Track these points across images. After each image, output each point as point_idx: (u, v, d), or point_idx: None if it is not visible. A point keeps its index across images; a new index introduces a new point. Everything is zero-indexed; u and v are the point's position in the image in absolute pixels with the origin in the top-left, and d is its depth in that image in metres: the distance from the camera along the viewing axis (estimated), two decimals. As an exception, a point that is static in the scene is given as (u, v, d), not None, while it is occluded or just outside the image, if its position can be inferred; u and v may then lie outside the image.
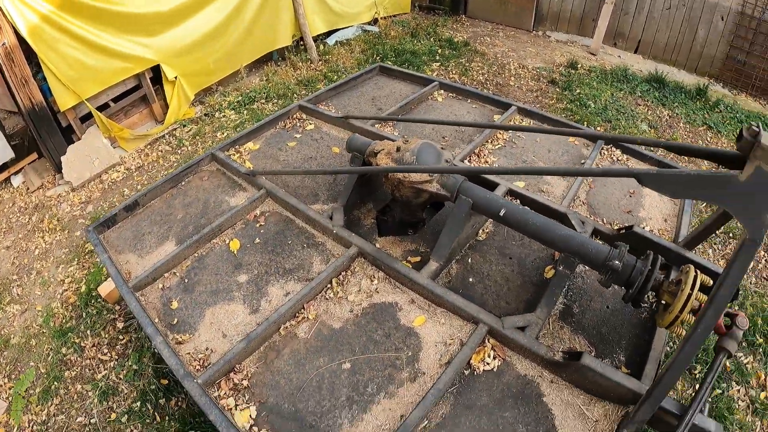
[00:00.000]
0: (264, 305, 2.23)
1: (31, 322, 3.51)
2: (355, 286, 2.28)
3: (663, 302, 1.78)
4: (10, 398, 3.03)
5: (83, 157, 4.74)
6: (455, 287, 2.30)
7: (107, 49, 4.57)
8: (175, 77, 5.20)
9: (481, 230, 2.59)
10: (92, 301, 3.49)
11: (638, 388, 1.70)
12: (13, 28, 4.02)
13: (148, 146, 5.21)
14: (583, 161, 3.10)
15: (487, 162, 3.05)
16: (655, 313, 1.83)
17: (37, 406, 2.97)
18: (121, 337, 3.26)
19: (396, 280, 2.28)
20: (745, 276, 3.54)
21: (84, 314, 3.43)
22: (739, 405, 2.80)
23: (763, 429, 2.72)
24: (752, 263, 3.67)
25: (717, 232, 3.83)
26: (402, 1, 7.93)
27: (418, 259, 2.46)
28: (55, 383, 3.07)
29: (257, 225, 2.65)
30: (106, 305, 3.44)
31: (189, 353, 2.05)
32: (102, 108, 4.90)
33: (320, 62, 6.55)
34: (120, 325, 3.32)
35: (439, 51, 6.80)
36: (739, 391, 2.87)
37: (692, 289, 1.64)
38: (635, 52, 6.90)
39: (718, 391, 2.83)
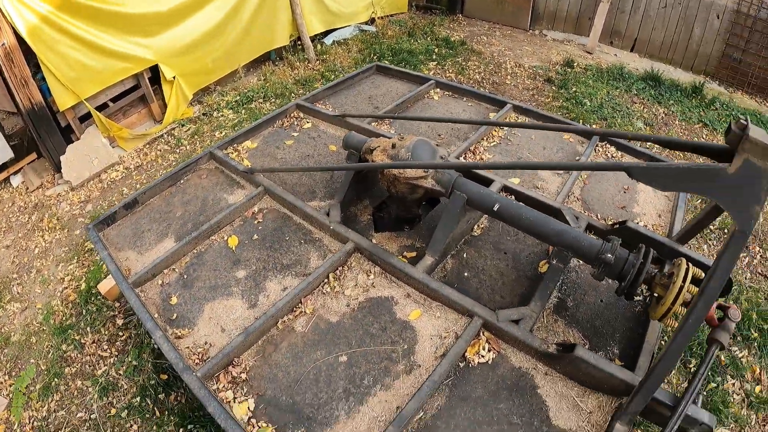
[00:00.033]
0: (262, 300, 2.26)
1: (32, 319, 3.53)
2: (351, 281, 2.30)
3: (656, 295, 1.80)
4: (11, 395, 3.05)
5: (82, 156, 4.76)
6: (450, 282, 2.32)
7: (106, 50, 4.59)
8: (174, 77, 5.22)
9: (476, 226, 2.62)
10: (92, 299, 3.51)
11: (631, 380, 1.72)
12: (13, 28, 4.04)
13: (147, 146, 5.23)
14: (577, 158, 3.13)
15: (482, 159, 3.08)
16: (648, 307, 1.86)
17: (37, 402, 2.99)
18: (120, 333, 3.29)
19: (392, 274, 2.31)
20: (740, 271, 3.57)
21: (84, 311, 3.45)
22: (734, 398, 2.82)
23: (758, 422, 2.75)
24: (747, 259, 3.69)
25: (712, 227, 3.87)
26: (399, 0, 7.95)
27: (413, 254, 2.48)
28: (56, 380, 3.09)
29: (255, 222, 2.67)
30: (105, 302, 3.46)
31: (188, 347, 2.07)
32: (101, 108, 4.92)
33: (317, 62, 6.57)
34: (120, 321, 3.35)
35: (436, 50, 6.81)
36: (734, 384, 2.89)
37: (684, 281, 1.66)
38: (631, 50, 6.94)
39: (713, 384, 2.85)
